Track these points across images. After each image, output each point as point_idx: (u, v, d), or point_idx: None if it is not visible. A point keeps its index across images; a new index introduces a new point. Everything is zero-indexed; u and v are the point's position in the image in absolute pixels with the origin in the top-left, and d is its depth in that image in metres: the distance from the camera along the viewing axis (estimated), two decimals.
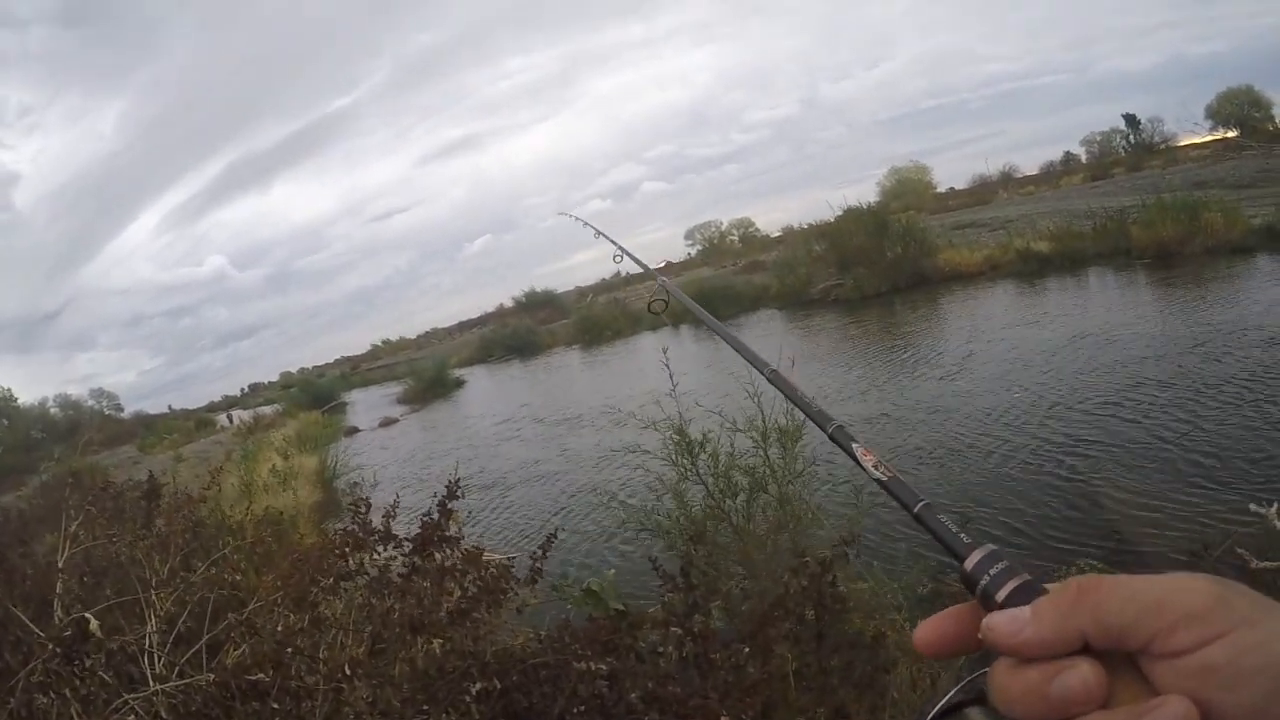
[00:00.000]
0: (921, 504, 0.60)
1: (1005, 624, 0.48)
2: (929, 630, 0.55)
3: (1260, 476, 6.06)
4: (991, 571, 0.52)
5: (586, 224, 2.60)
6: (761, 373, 0.94)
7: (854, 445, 0.70)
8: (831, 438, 0.73)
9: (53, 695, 2.59)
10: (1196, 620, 0.43)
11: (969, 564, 0.53)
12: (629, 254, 2.02)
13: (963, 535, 0.56)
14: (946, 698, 0.56)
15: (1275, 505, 4.89)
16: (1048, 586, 0.50)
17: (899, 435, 9.39)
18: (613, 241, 2.14)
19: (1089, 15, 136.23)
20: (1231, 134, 42.94)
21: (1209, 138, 43.39)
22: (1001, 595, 0.50)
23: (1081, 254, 18.54)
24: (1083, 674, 0.45)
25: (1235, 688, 0.41)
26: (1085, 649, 0.46)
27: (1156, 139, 48.39)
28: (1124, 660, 0.46)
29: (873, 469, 0.66)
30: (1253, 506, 5.04)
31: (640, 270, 1.86)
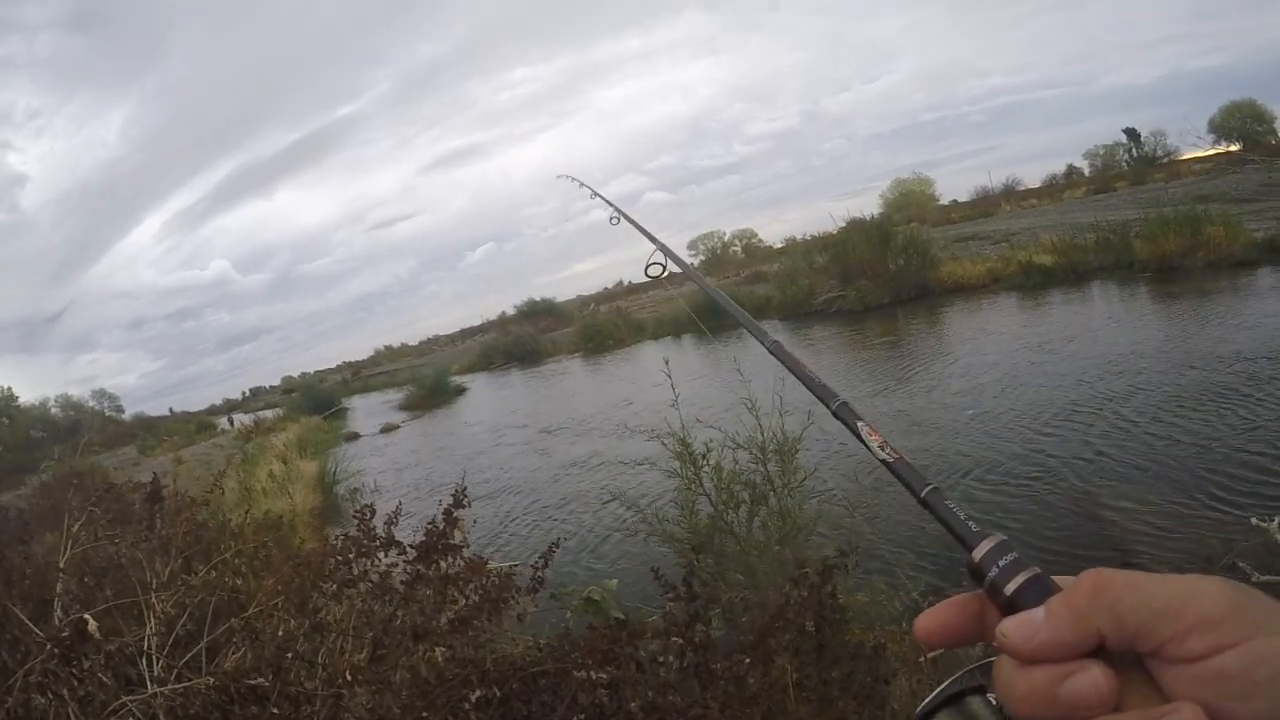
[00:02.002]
0: (929, 488, 0.59)
1: (1018, 629, 0.47)
2: (931, 620, 0.54)
3: (1262, 490, 6.04)
4: (1001, 563, 0.51)
5: (583, 184, 2.55)
6: (763, 344, 0.92)
7: (859, 423, 0.68)
8: (835, 414, 0.71)
9: (50, 695, 2.58)
10: (1211, 627, 0.42)
11: (977, 554, 0.52)
12: (626, 216, 1.94)
13: (971, 523, 0.55)
14: (945, 685, 0.55)
15: (1277, 519, 4.89)
16: (1057, 580, 0.49)
17: (899, 442, 9.35)
18: (609, 203, 2.08)
19: (1088, 31, 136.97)
20: (1234, 148, 42.96)
21: (1211, 151, 43.41)
22: (1010, 589, 0.49)
23: (1084, 267, 18.50)
24: (1094, 677, 0.44)
25: (1248, 697, 0.41)
26: (1098, 648, 0.45)
27: (1159, 152, 48.55)
28: (1133, 662, 0.45)
29: (879, 449, 0.65)
30: (1254, 520, 5.04)
31: (645, 256, 1.79)
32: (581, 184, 2.58)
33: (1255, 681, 0.41)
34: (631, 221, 1.88)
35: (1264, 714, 0.41)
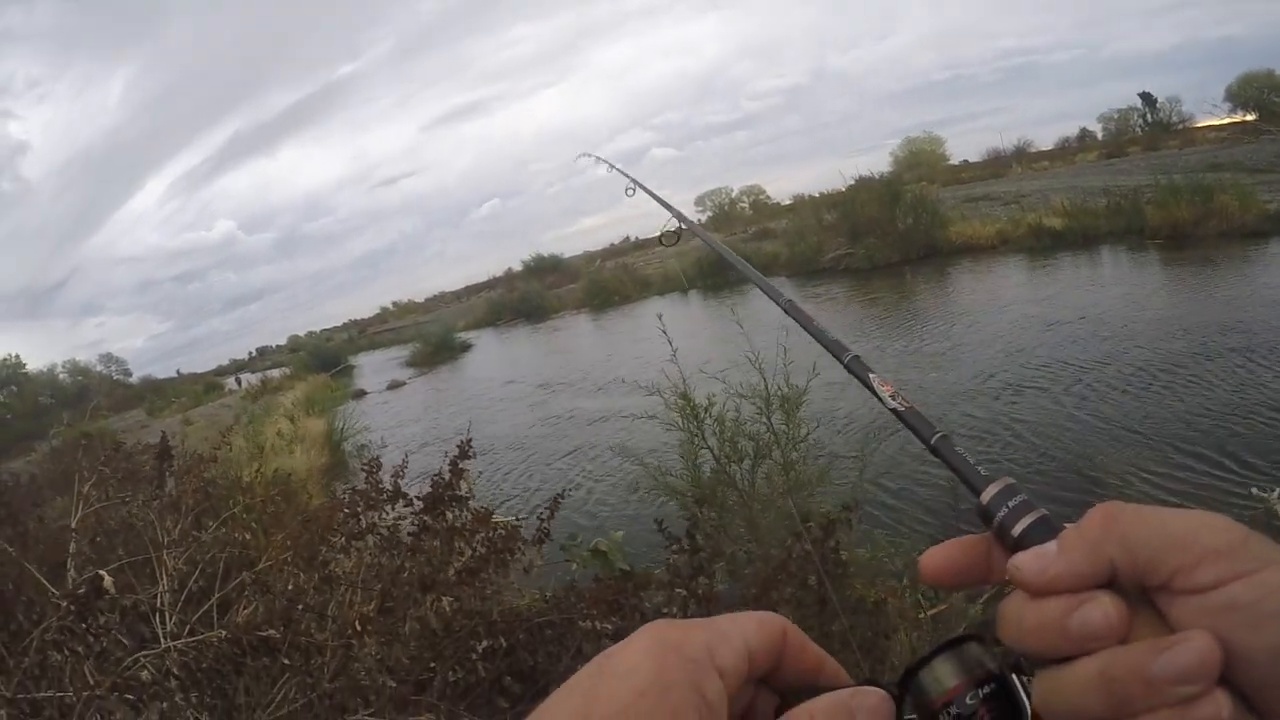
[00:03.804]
0: (938, 435, 0.59)
1: (1031, 561, 0.46)
2: (937, 557, 0.53)
3: (1263, 461, 6.05)
4: (1010, 504, 0.50)
5: (600, 159, 2.56)
6: (778, 303, 0.93)
7: (870, 376, 0.68)
8: (848, 368, 0.72)
9: (66, 652, 2.62)
10: (1222, 557, 0.42)
11: (985, 497, 0.52)
12: (642, 186, 1.95)
13: (980, 468, 0.54)
14: (947, 639, 0.55)
15: (1277, 491, 4.90)
16: (1066, 525, 0.49)
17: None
18: (626, 174, 2.08)
19: None
20: (1250, 117, 42.40)
21: (1227, 120, 42.84)
22: (1018, 529, 0.49)
23: (1094, 231, 18.40)
24: (1104, 607, 0.44)
25: (1258, 628, 0.40)
26: (1110, 581, 0.45)
27: (1174, 119, 47.84)
28: (1141, 595, 0.45)
29: (890, 399, 0.65)
30: (1254, 490, 5.05)
31: (656, 221, 1.76)
32: (599, 159, 2.58)
33: (1266, 612, 0.40)
34: (649, 192, 1.89)
35: (1273, 644, 0.40)
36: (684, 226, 1.54)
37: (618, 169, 2.26)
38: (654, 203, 1.61)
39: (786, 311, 0.90)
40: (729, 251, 1.16)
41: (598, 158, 2.60)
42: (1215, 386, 7.83)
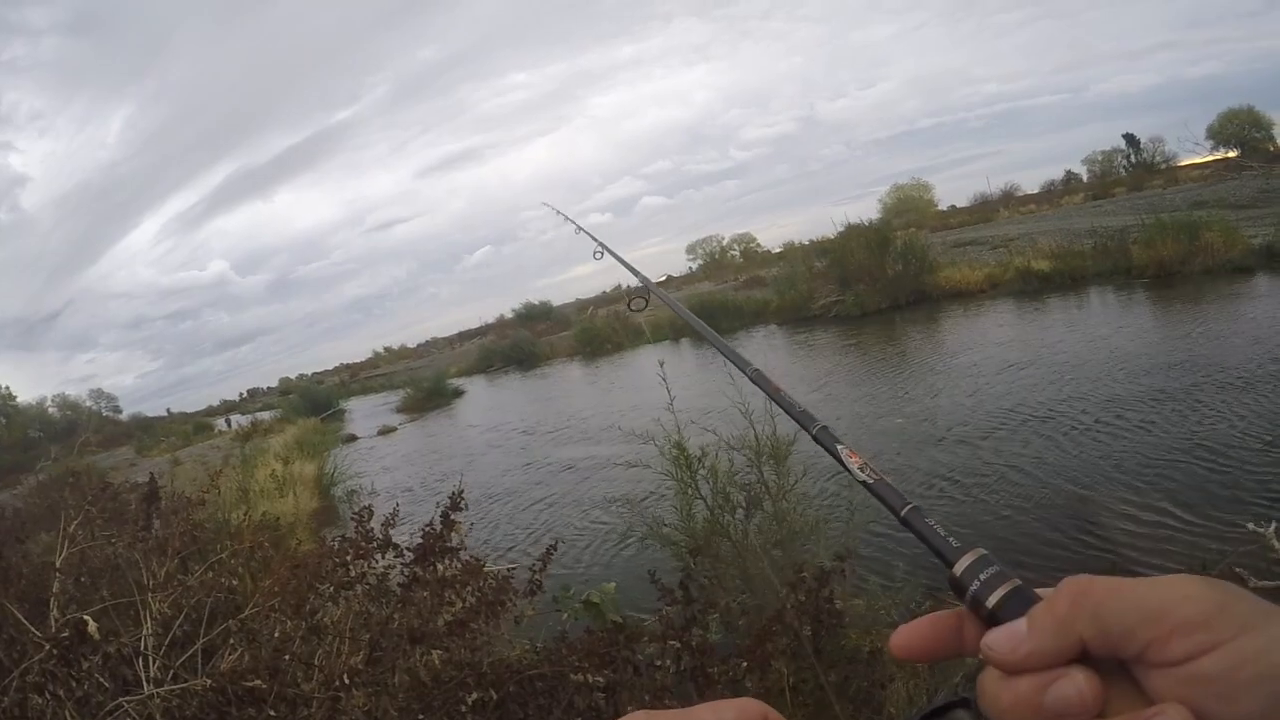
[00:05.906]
0: (909, 507, 0.58)
1: (1002, 641, 0.47)
2: (906, 635, 0.54)
3: (1259, 495, 6.05)
4: (982, 577, 0.50)
5: (567, 218, 2.52)
6: (744, 372, 0.91)
7: (839, 447, 0.67)
8: (816, 439, 0.71)
9: (48, 695, 2.57)
10: (1193, 629, 0.42)
11: (958, 569, 0.52)
12: (608, 248, 1.91)
13: (951, 539, 0.54)
14: (930, 704, 0.55)
15: (1274, 524, 4.89)
16: (1039, 592, 0.49)
17: (892, 449, 9.38)
18: (592, 237, 2.06)
19: (1082, 39, 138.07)
20: (1232, 154, 43.19)
21: (1210, 158, 43.64)
22: (992, 601, 0.49)
23: (1082, 273, 18.60)
24: (1077, 684, 0.44)
25: (1234, 698, 0.40)
26: (1082, 655, 0.45)
27: (1157, 159, 48.76)
28: (1117, 667, 0.45)
29: (858, 471, 0.64)
30: (1251, 525, 5.04)
31: (635, 277, 1.69)
32: (567, 218, 2.53)
33: (1239, 683, 0.40)
34: (616, 256, 1.85)
35: (1249, 714, 0.40)
36: (650, 290, 1.52)
37: (585, 231, 2.23)
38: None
39: (753, 380, 0.88)
40: (693, 317, 1.15)
41: (565, 216, 2.56)
42: (1209, 421, 7.84)
